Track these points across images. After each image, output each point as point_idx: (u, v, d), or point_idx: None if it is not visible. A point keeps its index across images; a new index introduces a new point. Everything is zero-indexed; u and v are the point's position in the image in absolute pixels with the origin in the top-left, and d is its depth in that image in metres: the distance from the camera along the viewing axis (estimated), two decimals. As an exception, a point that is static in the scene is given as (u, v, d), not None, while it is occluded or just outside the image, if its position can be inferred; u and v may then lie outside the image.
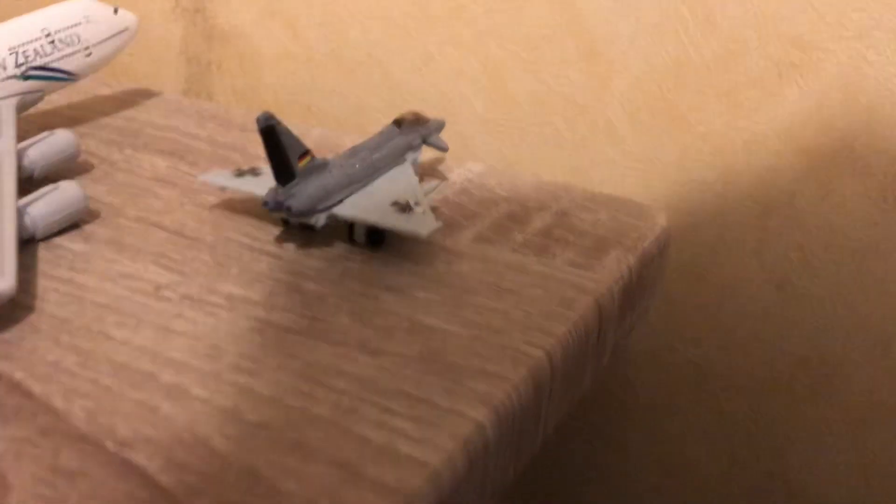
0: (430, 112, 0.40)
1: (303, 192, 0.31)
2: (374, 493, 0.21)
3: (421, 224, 0.31)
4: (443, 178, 0.39)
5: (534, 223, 0.36)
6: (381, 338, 0.27)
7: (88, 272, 0.30)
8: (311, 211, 0.31)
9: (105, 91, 0.48)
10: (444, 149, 0.38)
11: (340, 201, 0.32)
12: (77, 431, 0.22)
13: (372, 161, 0.34)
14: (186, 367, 0.25)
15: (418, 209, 0.32)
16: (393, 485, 0.21)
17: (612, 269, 0.33)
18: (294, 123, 0.32)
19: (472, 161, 0.42)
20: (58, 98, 0.45)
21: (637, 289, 0.34)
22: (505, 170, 0.42)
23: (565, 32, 0.45)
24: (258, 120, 0.30)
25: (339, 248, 0.33)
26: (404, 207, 0.32)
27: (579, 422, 0.53)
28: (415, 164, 0.37)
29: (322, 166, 0.33)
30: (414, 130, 0.37)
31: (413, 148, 0.37)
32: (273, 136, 0.30)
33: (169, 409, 0.23)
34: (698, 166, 0.45)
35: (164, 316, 0.28)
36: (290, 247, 0.33)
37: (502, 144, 0.50)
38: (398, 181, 0.34)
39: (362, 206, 0.32)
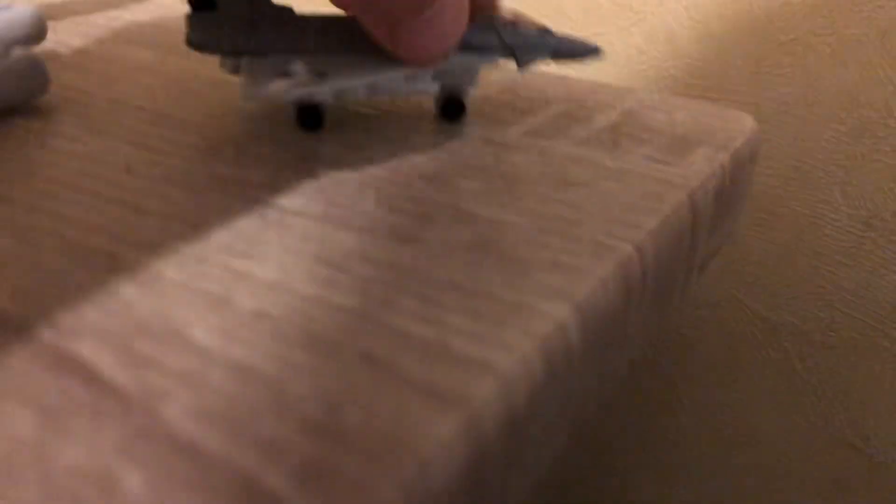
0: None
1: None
2: (421, 400, 0.14)
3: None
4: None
5: (597, 121, 0.29)
6: (417, 226, 0.21)
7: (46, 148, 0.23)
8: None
9: (86, -6, 0.42)
10: None
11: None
12: (3, 318, 0.16)
13: None
14: (158, 246, 0.19)
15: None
16: (447, 390, 0.14)
17: (703, 166, 0.26)
18: None
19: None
20: (29, -6, 0.39)
21: (730, 195, 0.27)
22: (553, 73, 0.35)
23: (621, -75, 0.39)
24: None
25: (361, 137, 0.26)
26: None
27: (630, 388, 0.47)
28: None
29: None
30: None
31: None
32: None
33: (132, 293, 0.17)
34: (777, 81, 0.38)
35: (136, 196, 0.21)
36: (297, 133, 0.26)
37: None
38: None
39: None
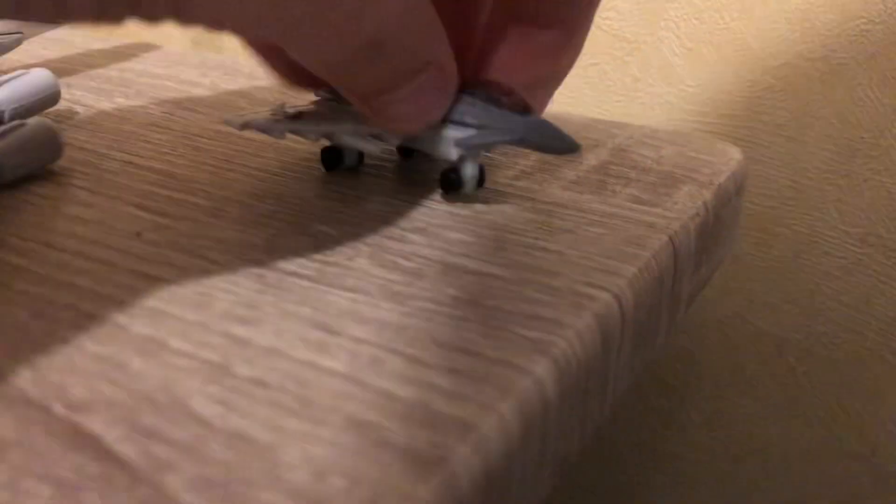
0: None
1: None
2: (402, 463, 0.15)
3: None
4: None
5: (587, 160, 0.30)
6: (407, 282, 0.22)
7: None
8: None
9: (98, 45, 0.44)
10: None
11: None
12: (22, 395, 0.17)
13: None
14: (165, 315, 0.20)
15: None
16: (427, 452, 0.16)
17: (686, 205, 0.27)
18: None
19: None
20: (42, 51, 0.41)
21: (714, 231, 0.28)
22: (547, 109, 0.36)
23: (611, -41, 0.40)
24: None
25: (360, 189, 0.28)
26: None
27: (635, 404, 0.48)
28: None
29: None
30: None
31: None
32: None
33: (139, 365, 0.18)
34: (769, 105, 0.39)
35: (145, 263, 0.23)
36: (297, 189, 0.28)
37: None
38: None
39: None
